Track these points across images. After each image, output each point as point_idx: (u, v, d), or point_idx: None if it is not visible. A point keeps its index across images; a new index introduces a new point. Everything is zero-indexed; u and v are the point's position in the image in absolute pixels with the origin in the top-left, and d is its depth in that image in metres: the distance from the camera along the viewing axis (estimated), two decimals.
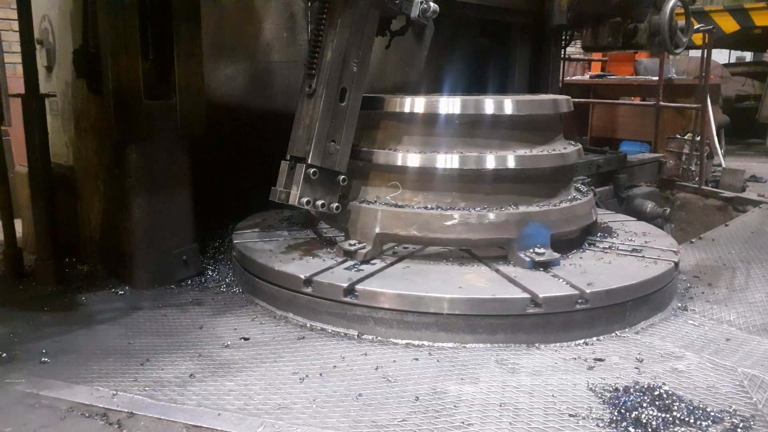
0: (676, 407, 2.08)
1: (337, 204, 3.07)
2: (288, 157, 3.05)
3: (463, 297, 2.63)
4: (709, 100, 6.56)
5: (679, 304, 3.10)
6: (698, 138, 6.45)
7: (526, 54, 5.22)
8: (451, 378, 2.33)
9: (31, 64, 3.21)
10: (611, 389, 2.22)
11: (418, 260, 3.07)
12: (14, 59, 4.34)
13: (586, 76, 10.25)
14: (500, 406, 2.13)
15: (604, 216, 4.02)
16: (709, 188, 6.27)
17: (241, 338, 2.67)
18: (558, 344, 2.63)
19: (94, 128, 3.43)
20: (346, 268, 2.91)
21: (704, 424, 2.01)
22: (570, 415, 2.06)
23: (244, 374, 2.34)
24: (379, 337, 2.67)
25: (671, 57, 7.40)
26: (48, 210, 3.32)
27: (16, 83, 3.35)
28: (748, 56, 14.73)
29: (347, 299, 2.71)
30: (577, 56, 10.72)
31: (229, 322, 2.85)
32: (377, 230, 3.05)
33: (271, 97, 4.41)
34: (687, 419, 2.03)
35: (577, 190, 3.59)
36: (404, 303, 2.65)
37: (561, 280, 2.80)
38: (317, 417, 2.05)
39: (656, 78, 7.13)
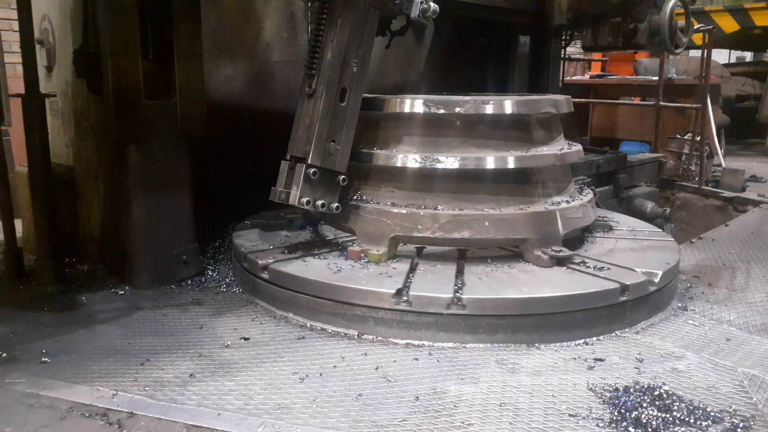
0: (676, 407, 2.08)
1: (337, 204, 3.07)
2: (288, 157, 3.05)
3: (566, 294, 2.67)
4: (709, 100, 6.56)
5: (679, 304, 3.10)
6: (698, 138, 6.45)
7: (526, 54, 5.23)
8: (451, 378, 2.33)
9: (31, 64, 3.21)
10: (611, 389, 2.22)
11: (438, 262, 3.04)
12: (14, 59, 4.34)
13: (586, 76, 10.25)
14: (500, 406, 2.13)
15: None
16: (709, 188, 6.27)
17: (241, 338, 2.67)
18: (558, 344, 2.63)
19: (94, 128, 3.43)
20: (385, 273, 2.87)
21: (704, 424, 2.01)
22: (570, 415, 2.06)
23: (244, 374, 2.34)
24: (379, 337, 2.67)
25: (671, 57, 7.41)
26: (48, 210, 3.32)
27: (16, 83, 3.35)
28: (748, 56, 14.73)
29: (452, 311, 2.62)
30: (577, 56, 10.72)
31: (229, 322, 2.85)
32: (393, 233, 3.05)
33: (271, 97, 4.41)
34: (687, 419, 2.03)
35: (578, 190, 3.60)
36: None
37: (617, 268, 2.90)
38: (317, 417, 2.05)
39: (656, 78, 7.14)
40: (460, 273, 2.89)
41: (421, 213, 3.03)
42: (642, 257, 3.13)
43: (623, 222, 3.87)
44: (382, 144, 3.25)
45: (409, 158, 3.09)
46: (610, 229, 3.64)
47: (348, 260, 3.05)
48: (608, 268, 2.91)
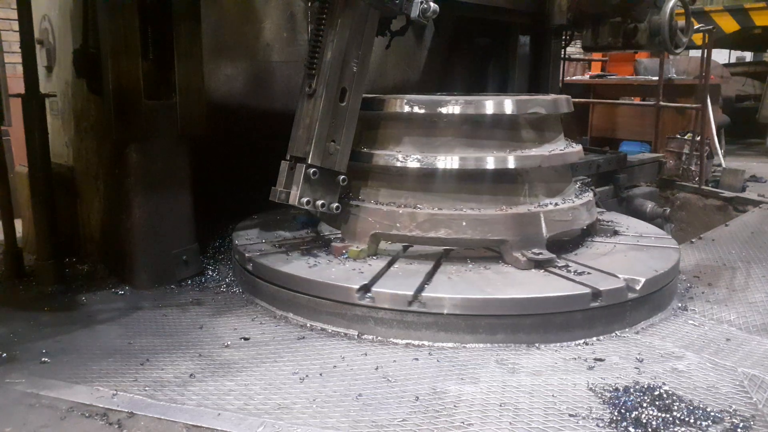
0: (676, 407, 2.08)
1: (337, 204, 3.08)
2: (288, 157, 3.05)
3: (535, 296, 2.65)
4: (709, 100, 6.56)
5: (679, 304, 3.10)
6: (698, 138, 6.45)
7: (526, 54, 5.23)
8: (451, 378, 2.33)
9: (31, 64, 3.21)
10: (611, 389, 2.22)
11: (417, 261, 3.04)
12: (14, 59, 4.34)
13: (586, 76, 10.25)
14: (500, 406, 2.13)
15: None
16: (709, 188, 6.26)
17: (241, 338, 2.67)
18: (558, 344, 2.63)
19: (94, 128, 3.43)
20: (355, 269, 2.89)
21: (704, 424, 2.01)
22: (570, 415, 2.06)
23: (244, 374, 2.34)
24: (379, 337, 2.67)
25: (671, 57, 7.40)
26: (48, 210, 3.31)
27: (16, 83, 3.35)
28: (748, 56, 14.73)
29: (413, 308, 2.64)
30: (577, 56, 10.72)
31: (229, 322, 2.85)
32: (373, 230, 3.06)
33: (271, 97, 4.41)
34: (687, 419, 2.03)
35: (578, 190, 3.59)
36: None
37: (599, 273, 2.86)
38: (317, 417, 2.05)
39: (656, 78, 7.13)
40: (432, 272, 2.88)
41: (400, 211, 3.04)
42: (632, 263, 3.05)
43: (632, 227, 3.77)
44: (370, 143, 3.26)
45: (393, 157, 3.10)
46: (615, 233, 3.58)
47: (328, 256, 3.08)
48: (589, 273, 2.86)
